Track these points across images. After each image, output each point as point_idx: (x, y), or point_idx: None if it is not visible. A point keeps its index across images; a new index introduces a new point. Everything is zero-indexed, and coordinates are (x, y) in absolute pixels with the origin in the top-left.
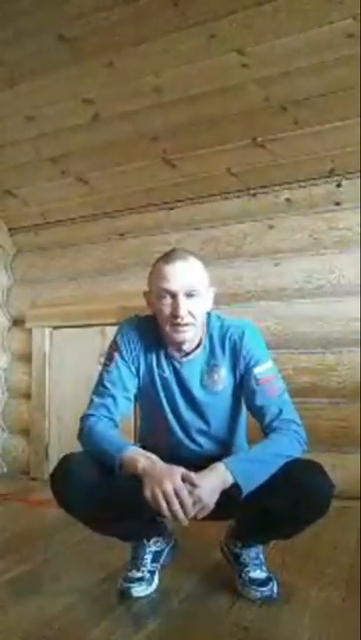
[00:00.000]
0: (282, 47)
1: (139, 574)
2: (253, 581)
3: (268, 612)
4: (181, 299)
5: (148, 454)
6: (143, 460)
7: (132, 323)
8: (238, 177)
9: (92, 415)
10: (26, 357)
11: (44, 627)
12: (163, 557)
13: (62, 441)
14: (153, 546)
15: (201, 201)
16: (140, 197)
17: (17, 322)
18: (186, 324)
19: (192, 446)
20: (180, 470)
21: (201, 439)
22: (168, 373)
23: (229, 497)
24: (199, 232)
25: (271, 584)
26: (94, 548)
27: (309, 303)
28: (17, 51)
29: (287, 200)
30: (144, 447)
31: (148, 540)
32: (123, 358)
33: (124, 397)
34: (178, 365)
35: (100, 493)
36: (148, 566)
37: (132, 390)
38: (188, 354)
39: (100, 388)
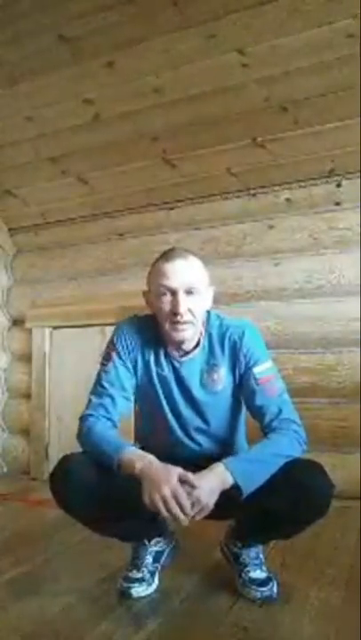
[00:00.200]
0: (282, 47)
1: (139, 574)
2: (253, 581)
3: (268, 612)
4: (181, 296)
5: (146, 455)
6: (140, 461)
7: (129, 322)
8: (238, 177)
9: (91, 415)
10: (26, 357)
11: (44, 627)
12: (163, 558)
13: (62, 441)
14: (154, 546)
15: (201, 201)
16: (140, 197)
17: (17, 322)
18: (185, 322)
19: (191, 445)
20: (177, 471)
21: (200, 438)
22: (167, 372)
23: (229, 497)
24: (199, 232)
25: (271, 584)
26: (94, 548)
27: (309, 303)
28: (17, 51)
29: (287, 200)
30: (143, 447)
31: (149, 541)
32: (120, 358)
33: (122, 397)
34: (177, 364)
35: (99, 493)
36: (149, 567)
37: (131, 390)
38: (187, 353)
39: (98, 389)
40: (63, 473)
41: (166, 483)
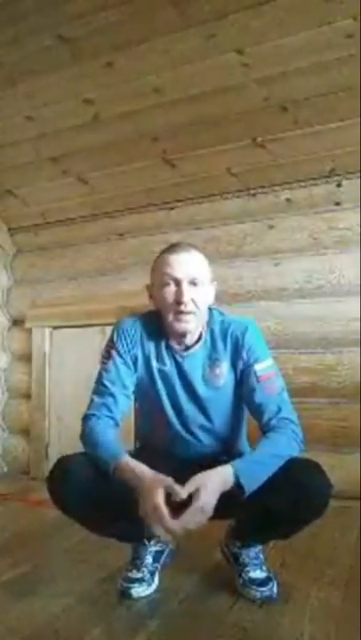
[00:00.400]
0: (282, 47)
1: (139, 575)
2: (253, 581)
3: (268, 612)
4: (185, 286)
5: (138, 466)
6: (132, 474)
7: (128, 319)
8: (238, 177)
9: (94, 415)
10: (26, 357)
11: (44, 627)
12: (163, 558)
13: (62, 441)
14: (154, 546)
15: (201, 201)
16: (140, 197)
17: (17, 322)
18: (189, 312)
19: (192, 440)
20: (162, 485)
21: (202, 435)
22: (169, 366)
23: (231, 496)
24: (199, 232)
25: (271, 584)
26: (94, 549)
27: (309, 303)
28: (17, 51)
29: (287, 200)
30: (143, 445)
31: (149, 541)
32: (120, 355)
33: (123, 395)
34: (180, 359)
35: (96, 494)
36: (149, 566)
37: (132, 387)
38: (189, 347)
39: (99, 388)
40: (61, 473)
41: (149, 499)
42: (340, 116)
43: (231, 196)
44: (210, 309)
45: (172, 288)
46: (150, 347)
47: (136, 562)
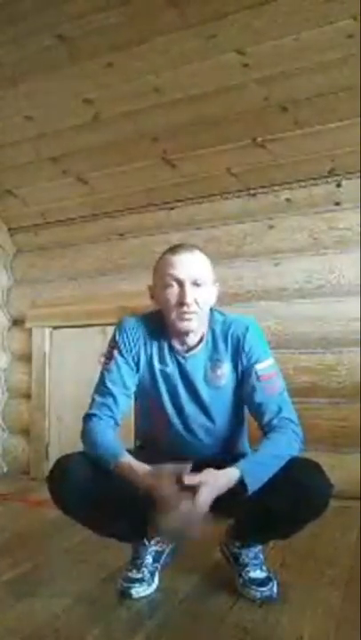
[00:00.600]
0: (282, 47)
1: (139, 575)
2: (253, 581)
3: (268, 612)
4: (188, 286)
5: (138, 465)
6: (133, 473)
7: (131, 319)
8: (238, 177)
9: (94, 415)
10: (26, 357)
11: (44, 627)
12: (163, 558)
13: (62, 441)
14: (154, 546)
15: (201, 201)
16: (141, 197)
17: (17, 322)
18: (192, 312)
19: (192, 440)
20: (166, 472)
21: (202, 434)
22: (171, 367)
23: (234, 494)
24: (199, 232)
25: (271, 584)
26: (94, 549)
27: (309, 303)
28: (17, 51)
29: (287, 200)
30: (143, 444)
31: (149, 541)
32: (122, 355)
33: (124, 395)
34: (182, 360)
35: (96, 493)
36: (149, 566)
37: (133, 387)
38: (191, 348)
39: (101, 387)
40: (61, 473)
41: (153, 486)
42: (340, 116)
43: (231, 196)
44: (210, 310)
45: (174, 289)
46: (153, 347)
47: (136, 562)
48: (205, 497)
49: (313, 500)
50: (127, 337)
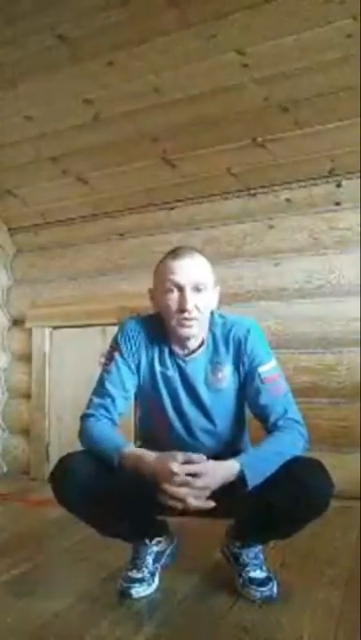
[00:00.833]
0: (282, 47)
1: (139, 574)
2: (253, 581)
3: (268, 612)
4: (188, 292)
5: (143, 452)
6: (139, 460)
7: (132, 321)
8: (238, 177)
9: (92, 415)
10: (26, 357)
11: (45, 627)
12: (164, 558)
13: (62, 441)
14: (155, 546)
15: (201, 201)
16: (141, 197)
17: (17, 322)
18: (192, 319)
19: (193, 443)
20: (173, 457)
21: (204, 437)
22: (172, 371)
23: (233, 488)
24: (199, 232)
25: (271, 584)
26: (94, 549)
27: (309, 303)
28: (17, 51)
29: (287, 200)
30: (143, 446)
31: (150, 540)
32: (123, 357)
33: (122, 397)
34: (182, 363)
35: (99, 491)
36: (149, 567)
37: (132, 390)
38: (191, 352)
39: (99, 389)
40: (64, 471)
41: (163, 468)
42: (340, 116)
43: (231, 196)
44: (211, 312)
45: (175, 294)
46: (154, 351)
47: (136, 562)
48: (202, 483)
49: (314, 498)
50: (128, 339)
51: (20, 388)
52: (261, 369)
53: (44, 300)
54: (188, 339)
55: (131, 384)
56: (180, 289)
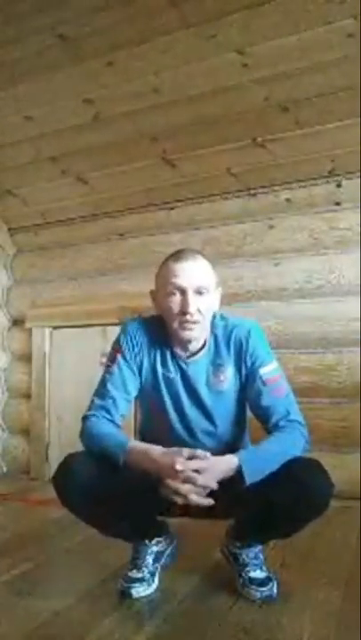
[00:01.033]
0: (282, 47)
1: (139, 574)
2: (253, 581)
3: (268, 612)
4: (191, 295)
5: (148, 447)
6: (144, 455)
7: (134, 323)
8: (238, 177)
9: (93, 416)
10: (26, 357)
11: (45, 627)
12: (164, 558)
13: (62, 441)
14: (155, 546)
15: (201, 201)
16: (141, 197)
17: (17, 322)
18: (195, 322)
19: (194, 444)
20: (177, 454)
21: (205, 439)
22: (174, 373)
23: (233, 483)
24: (199, 232)
25: (271, 584)
26: (94, 548)
27: (309, 303)
28: (17, 51)
29: (287, 200)
30: None
31: (150, 540)
32: (125, 359)
33: (124, 399)
34: (184, 365)
35: (102, 492)
36: (150, 567)
37: (134, 392)
38: (193, 354)
39: (101, 390)
40: (66, 472)
41: (172, 472)
42: (340, 116)
43: (231, 196)
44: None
45: (177, 297)
46: (156, 352)
47: (137, 561)
48: (204, 480)
49: (314, 498)
50: (131, 341)
51: (20, 388)
52: (263, 370)
53: (44, 299)
54: (189, 341)
55: (133, 386)
56: (183, 292)
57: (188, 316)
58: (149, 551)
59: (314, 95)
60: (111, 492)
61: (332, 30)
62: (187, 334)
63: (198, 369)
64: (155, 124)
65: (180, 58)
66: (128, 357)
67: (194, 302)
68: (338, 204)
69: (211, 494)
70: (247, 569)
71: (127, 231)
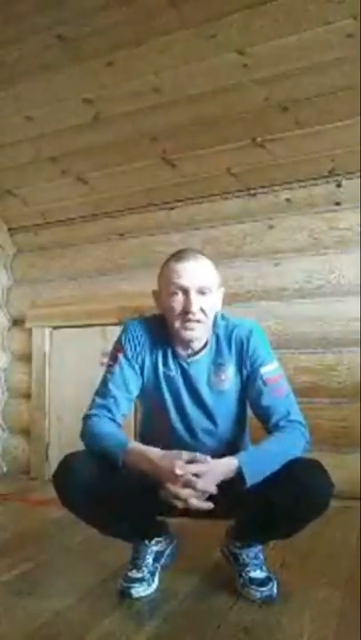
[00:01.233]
0: (282, 47)
1: (139, 574)
2: (253, 581)
3: (268, 612)
4: (193, 295)
5: (147, 449)
6: (143, 457)
7: (136, 322)
8: (238, 177)
9: (95, 415)
10: (26, 357)
11: (44, 627)
12: (164, 558)
13: (62, 441)
14: (155, 546)
15: (201, 201)
16: (141, 197)
17: (17, 322)
18: (197, 321)
19: (195, 444)
20: (177, 457)
21: (206, 439)
22: (175, 373)
23: (233, 485)
24: (199, 232)
25: (271, 584)
26: (94, 548)
27: (309, 303)
28: (17, 51)
29: (287, 200)
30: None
31: (150, 540)
32: (126, 358)
33: (125, 399)
34: (185, 365)
35: (102, 491)
36: (149, 566)
37: (135, 391)
38: (195, 353)
39: (102, 389)
40: (66, 472)
41: (172, 477)
42: (340, 116)
43: (231, 196)
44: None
45: (179, 297)
46: (157, 352)
47: (136, 561)
48: (203, 484)
49: (314, 498)
50: (132, 340)
51: (20, 387)
52: (263, 370)
53: (44, 299)
54: (191, 341)
55: (134, 385)
56: (185, 292)
57: (190, 316)
58: (149, 551)
59: (314, 95)
60: (111, 492)
61: (332, 30)
62: (189, 334)
63: (200, 368)
64: (155, 124)
65: (179, 58)
66: (130, 357)
67: (196, 302)
68: (338, 203)
69: (211, 496)
70: (247, 569)
71: (127, 231)
